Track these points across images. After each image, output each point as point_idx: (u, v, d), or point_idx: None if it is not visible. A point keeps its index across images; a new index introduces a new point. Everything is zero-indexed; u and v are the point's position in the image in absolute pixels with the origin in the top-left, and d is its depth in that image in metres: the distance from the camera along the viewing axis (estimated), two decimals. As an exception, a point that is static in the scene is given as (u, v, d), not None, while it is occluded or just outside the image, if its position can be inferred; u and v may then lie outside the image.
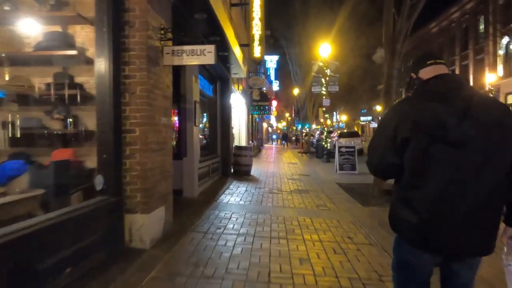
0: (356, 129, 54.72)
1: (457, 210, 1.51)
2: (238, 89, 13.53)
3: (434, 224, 1.55)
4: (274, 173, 12.00)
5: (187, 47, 4.32)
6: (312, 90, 16.98)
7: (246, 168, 10.84)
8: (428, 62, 1.70)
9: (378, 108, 50.54)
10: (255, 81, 17.47)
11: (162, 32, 4.26)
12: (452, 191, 1.52)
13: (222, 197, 7.23)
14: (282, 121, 64.18)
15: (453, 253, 1.61)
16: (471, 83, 32.90)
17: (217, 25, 6.27)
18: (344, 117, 59.85)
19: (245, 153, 10.74)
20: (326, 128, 16.66)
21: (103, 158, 3.61)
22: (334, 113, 61.13)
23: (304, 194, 7.99)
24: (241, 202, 6.79)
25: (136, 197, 3.85)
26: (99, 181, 3.57)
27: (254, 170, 12.26)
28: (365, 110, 56.97)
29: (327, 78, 16.55)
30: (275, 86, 30.59)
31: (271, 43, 36.63)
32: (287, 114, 56.39)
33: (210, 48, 4.30)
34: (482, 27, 31.05)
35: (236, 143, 15.71)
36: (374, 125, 54.55)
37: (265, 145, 39.21)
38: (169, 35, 4.34)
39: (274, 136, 47.88)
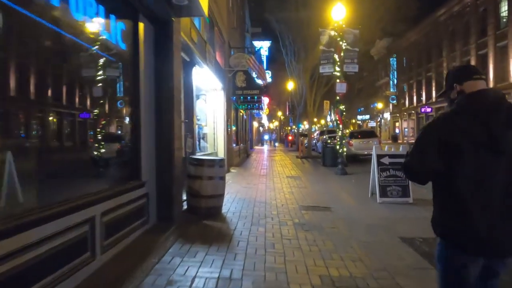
0: (352, 128, 49.39)
1: (502, 213, 1.59)
2: (207, 60, 8.01)
3: (485, 227, 1.59)
4: (267, 205, 6.50)
5: None
6: (321, 70, 11.53)
7: (212, 203, 5.32)
8: (474, 77, 1.74)
9: (380, 105, 45.44)
10: (239, 60, 12.01)
11: None
12: (497, 197, 1.59)
13: None
14: (274, 120, 58.67)
15: (498, 254, 1.65)
16: (491, 75, 28.00)
17: None
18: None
19: (209, 172, 5.23)
20: (341, 126, 11.28)
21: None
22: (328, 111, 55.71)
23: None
24: None
25: None
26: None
27: (231, 199, 6.78)
28: (362, 109, 51.77)
29: (342, 54, 11.14)
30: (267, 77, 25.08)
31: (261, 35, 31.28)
32: (279, 113, 50.83)
33: None
34: (504, 9, 26.08)
35: (210, 149, 10.21)
36: (373, 124, 49.46)
37: (256, 147, 33.64)
38: None
39: (266, 137, 42.24)
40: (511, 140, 1.58)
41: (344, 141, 11.51)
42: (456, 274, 1.69)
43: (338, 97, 11.15)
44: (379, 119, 47.99)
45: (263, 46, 24.30)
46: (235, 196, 7.12)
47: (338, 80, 11.07)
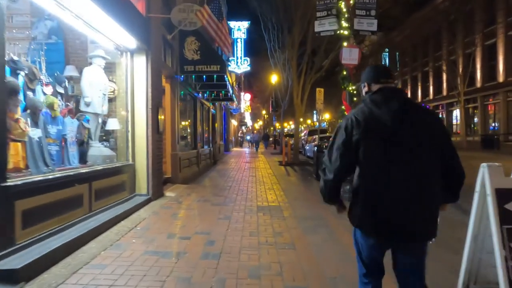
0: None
1: (400, 198, 1.66)
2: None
3: (382, 211, 1.69)
4: None
5: None
6: (316, 29, 6.82)
7: None
8: (381, 80, 1.84)
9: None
10: (186, 14, 7.29)
11: None
12: (394, 183, 1.67)
13: None
14: (258, 120, 53.88)
15: (398, 237, 1.71)
16: (502, 66, 24.07)
17: None
18: (327, 116, 50.08)
19: None
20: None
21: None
22: (314, 112, 50.78)
23: None
24: None
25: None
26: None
27: None
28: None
29: (352, 1, 6.53)
30: (244, 65, 20.27)
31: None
32: (263, 112, 46.04)
33: None
34: (518, -8, 22.16)
35: (120, 158, 5.41)
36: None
37: (235, 148, 28.76)
38: None
39: (248, 138, 37.42)
40: (405, 133, 1.69)
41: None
42: (369, 256, 1.86)
43: (345, 72, 6.52)
44: (369, 118, 43.86)
45: (240, 27, 19.57)
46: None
47: (345, 44, 6.46)
